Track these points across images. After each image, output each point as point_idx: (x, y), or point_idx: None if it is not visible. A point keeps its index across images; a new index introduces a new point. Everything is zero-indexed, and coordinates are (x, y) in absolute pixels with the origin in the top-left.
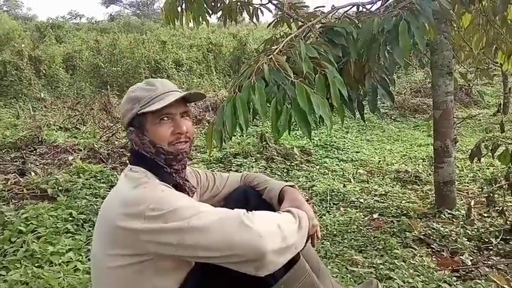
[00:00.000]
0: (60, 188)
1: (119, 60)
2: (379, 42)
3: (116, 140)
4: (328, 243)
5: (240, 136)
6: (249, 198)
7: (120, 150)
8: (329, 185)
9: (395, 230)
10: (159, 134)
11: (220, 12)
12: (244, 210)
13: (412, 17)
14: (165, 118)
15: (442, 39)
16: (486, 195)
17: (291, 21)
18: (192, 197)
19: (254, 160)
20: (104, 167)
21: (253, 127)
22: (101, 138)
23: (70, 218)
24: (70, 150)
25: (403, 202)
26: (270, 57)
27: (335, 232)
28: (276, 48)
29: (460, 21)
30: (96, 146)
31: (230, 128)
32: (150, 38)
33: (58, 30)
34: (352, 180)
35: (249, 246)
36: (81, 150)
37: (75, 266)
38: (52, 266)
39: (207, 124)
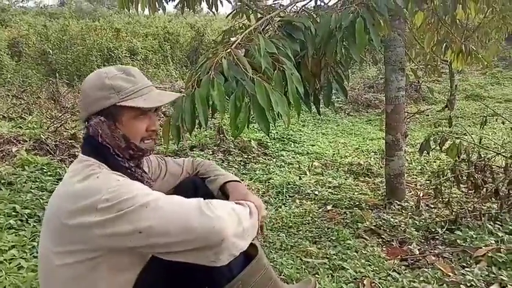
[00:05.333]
0: (2, 181)
1: (69, 48)
2: (336, 38)
3: (65, 131)
4: (284, 234)
5: (196, 128)
6: (197, 189)
7: (69, 141)
8: (285, 178)
9: (348, 221)
10: (135, 129)
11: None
12: (202, 199)
13: (368, 13)
14: (143, 114)
15: (395, 36)
16: (434, 187)
17: (250, 12)
18: None
19: (211, 153)
20: (51, 159)
21: (211, 119)
22: (48, 128)
23: (13, 213)
24: (14, 141)
25: (355, 194)
26: (228, 51)
27: (290, 224)
28: (235, 42)
29: (413, 19)
30: (42, 137)
31: (189, 124)
32: (103, 25)
33: (3, 13)
34: (307, 172)
35: (208, 230)
36: (26, 141)
37: (19, 263)
38: None
39: (161, 114)
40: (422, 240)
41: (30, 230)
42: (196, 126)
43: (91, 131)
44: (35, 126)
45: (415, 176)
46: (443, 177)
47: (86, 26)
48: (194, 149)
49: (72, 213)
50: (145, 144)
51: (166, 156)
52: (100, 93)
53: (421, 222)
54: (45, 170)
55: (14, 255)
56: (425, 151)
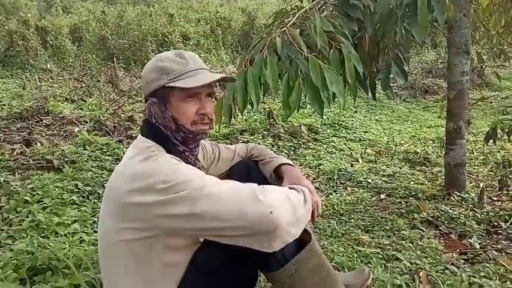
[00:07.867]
0: (66, 159)
1: (126, 33)
2: (396, 17)
3: (122, 113)
4: (335, 222)
5: (247, 113)
6: (250, 172)
7: (126, 123)
8: (336, 164)
9: (403, 211)
10: (184, 111)
11: None
12: (256, 184)
13: None
14: (192, 97)
15: (461, 16)
16: (498, 178)
17: None
18: None
19: (261, 137)
20: (110, 140)
21: (261, 104)
22: (107, 110)
23: (76, 190)
24: (76, 121)
25: (411, 183)
26: (283, 29)
27: (341, 211)
28: (290, 21)
29: None
30: (102, 119)
31: (241, 104)
32: (158, 11)
33: (64, 0)
34: (359, 160)
35: (262, 217)
36: (87, 122)
37: (81, 237)
38: (58, 236)
39: (214, 100)
40: (484, 234)
41: (91, 206)
42: (247, 107)
43: (147, 112)
44: (95, 108)
45: (476, 167)
46: (509, 168)
47: (142, 12)
48: (244, 133)
49: (132, 192)
50: (196, 127)
51: (216, 139)
52: (152, 75)
53: (483, 215)
54: (104, 150)
55: (76, 229)
56: (491, 140)
